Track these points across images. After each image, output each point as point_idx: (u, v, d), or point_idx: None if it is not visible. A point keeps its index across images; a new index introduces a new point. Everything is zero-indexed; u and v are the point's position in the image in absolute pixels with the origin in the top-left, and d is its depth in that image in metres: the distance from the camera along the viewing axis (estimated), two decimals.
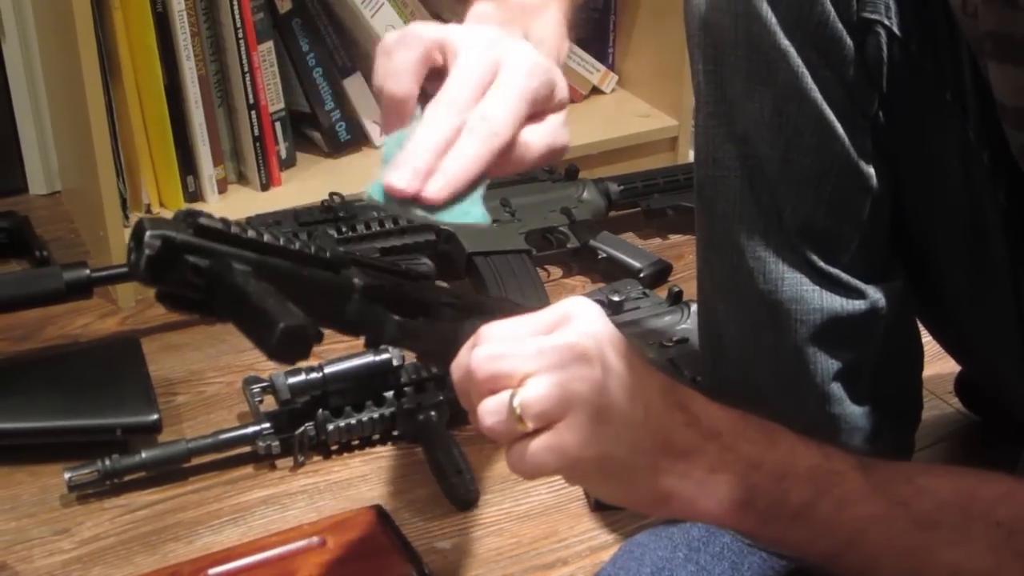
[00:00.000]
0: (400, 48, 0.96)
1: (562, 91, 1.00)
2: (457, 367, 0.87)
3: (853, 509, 0.88)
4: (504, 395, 0.82)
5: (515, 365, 0.83)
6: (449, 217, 0.92)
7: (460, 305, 0.97)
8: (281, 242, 0.88)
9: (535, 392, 0.82)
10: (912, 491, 0.90)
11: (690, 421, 0.87)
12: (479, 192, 0.94)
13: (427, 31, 0.97)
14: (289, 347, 0.78)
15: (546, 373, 0.82)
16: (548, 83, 0.98)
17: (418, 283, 0.98)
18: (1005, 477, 0.91)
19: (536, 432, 0.82)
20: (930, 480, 0.91)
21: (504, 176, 1.01)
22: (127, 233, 1.76)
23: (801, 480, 0.88)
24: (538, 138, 0.97)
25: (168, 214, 1.86)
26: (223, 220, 0.86)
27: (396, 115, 0.95)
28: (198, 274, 0.84)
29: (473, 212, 0.93)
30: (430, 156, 0.91)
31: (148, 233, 0.81)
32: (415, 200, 0.91)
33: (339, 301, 0.93)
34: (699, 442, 0.87)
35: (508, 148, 0.94)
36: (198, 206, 1.87)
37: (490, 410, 0.83)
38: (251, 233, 0.86)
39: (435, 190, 0.91)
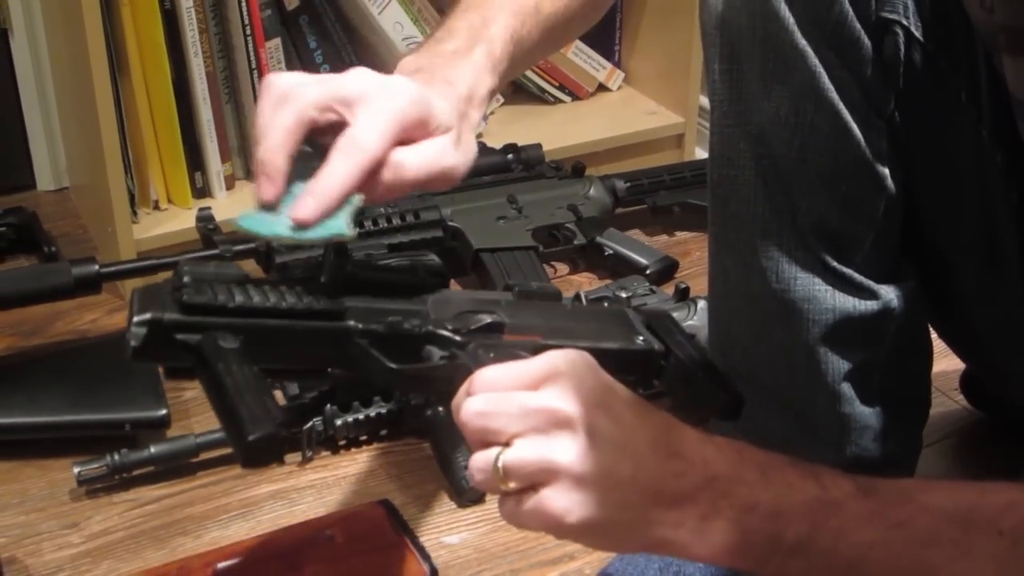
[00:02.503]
0: (280, 109, 0.96)
1: (441, 116, 1.01)
2: (456, 409, 0.89)
3: (851, 537, 0.88)
4: (491, 453, 0.85)
5: (501, 425, 0.85)
6: (314, 234, 0.93)
7: (458, 341, 0.97)
8: (272, 301, 0.89)
9: (517, 457, 0.84)
10: (912, 510, 0.89)
11: (682, 470, 0.87)
12: (347, 209, 0.94)
13: (311, 92, 0.96)
14: (257, 458, 0.81)
15: (529, 438, 0.84)
16: (420, 107, 0.99)
17: (416, 307, 1.00)
18: (1010, 486, 0.90)
19: (523, 490, 0.85)
20: (931, 497, 0.91)
21: (382, 201, 1.04)
22: (135, 229, 1.78)
23: (797, 516, 0.88)
24: (413, 159, 0.98)
25: (176, 211, 1.87)
26: (212, 286, 0.88)
27: (267, 181, 0.94)
28: (188, 351, 0.86)
29: (336, 226, 0.94)
30: (279, 159, 0.94)
31: (135, 319, 0.85)
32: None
33: (336, 350, 0.95)
34: (691, 491, 0.86)
35: (377, 167, 0.95)
36: (206, 202, 1.87)
37: (478, 466, 0.86)
38: (240, 298, 0.88)
39: (306, 211, 0.93)
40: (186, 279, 0.88)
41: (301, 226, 0.92)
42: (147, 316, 0.85)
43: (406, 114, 0.97)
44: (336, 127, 0.96)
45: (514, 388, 0.86)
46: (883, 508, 0.89)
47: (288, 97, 0.95)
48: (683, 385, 1.07)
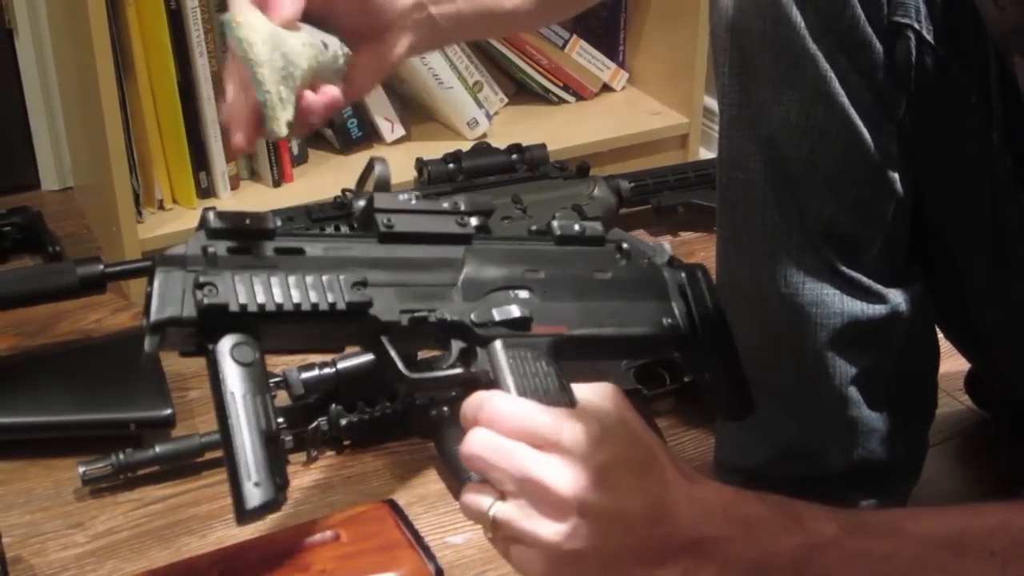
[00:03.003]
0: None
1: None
2: (463, 419, 0.89)
3: None
4: (485, 501, 0.86)
5: (500, 479, 0.85)
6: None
7: (480, 337, 0.96)
8: (296, 298, 0.87)
9: (507, 518, 0.85)
10: (898, 541, 0.90)
11: (668, 534, 0.87)
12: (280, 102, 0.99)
13: None
14: (253, 519, 0.82)
15: (523, 505, 0.85)
16: None
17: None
18: (1002, 506, 0.91)
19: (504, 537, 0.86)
20: (918, 525, 0.91)
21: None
22: (140, 229, 1.78)
23: (781, 567, 0.88)
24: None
25: (181, 210, 1.87)
26: (233, 275, 0.86)
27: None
28: (203, 352, 0.85)
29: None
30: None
31: (152, 320, 0.82)
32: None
33: (356, 340, 0.96)
34: (675, 553, 0.87)
35: None
36: (210, 202, 1.87)
37: (468, 505, 0.87)
38: (261, 296, 0.86)
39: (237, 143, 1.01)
40: (202, 276, 0.84)
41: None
42: (165, 316, 0.82)
43: None
44: None
45: (520, 438, 0.86)
46: (868, 545, 0.89)
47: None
48: (698, 372, 1.07)
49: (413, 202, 0.98)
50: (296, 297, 0.87)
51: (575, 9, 1.29)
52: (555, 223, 1.05)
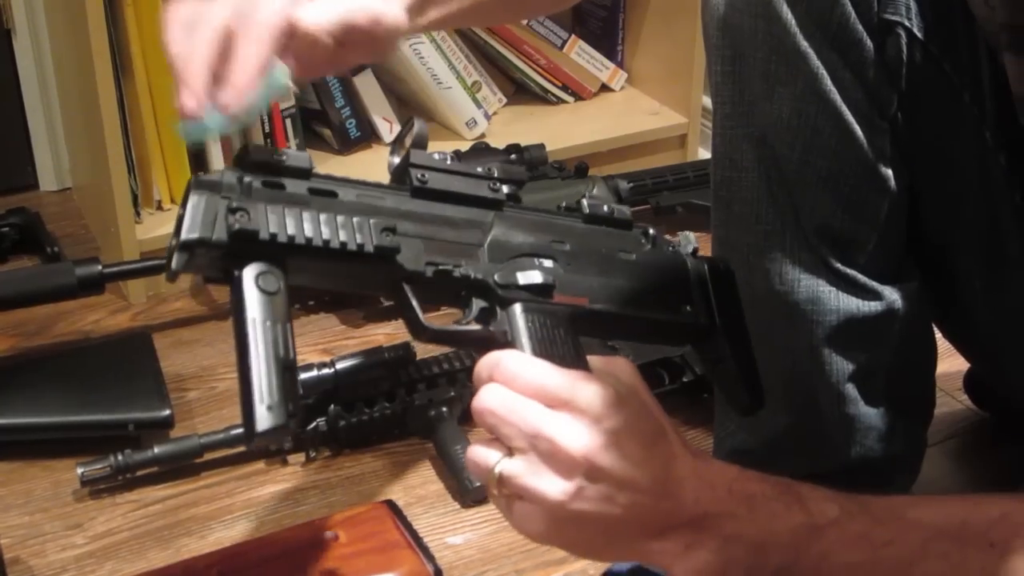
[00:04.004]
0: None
1: None
2: (476, 376, 0.89)
3: (835, 559, 0.88)
4: (491, 456, 0.86)
5: (508, 433, 0.85)
6: (253, 114, 0.96)
7: (502, 297, 0.96)
8: (326, 234, 0.87)
9: (513, 473, 0.85)
10: (900, 527, 0.90)
11: (673, 508, 0.87)
12: (273, 78, 0.97)
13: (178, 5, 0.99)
14: (263, 442, 0.84)
15: (532, 459, 0.85)
16: None
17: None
18: (1003, 498, 0.91)
19: (512, 495, 0.86)
20: (920, 512, 0.91)
21: (310, 72, 1.03)
22: (138, 229, 1.78)
23: (781, 545, 0.88)
24: (311, 14, 0.99)
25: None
26: (267, 207, 0.86)
27: (189, 93, 0.95)
28: (228, 277, 0.85)
29: (267, 93, 0.96)
30: (205, 72, 0.94)
31: (183, 238, 0.82)
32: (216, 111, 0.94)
33: (379, 286, 0.95)
34: (677, 527, 0.87)
35: (286, 35, 0.97)
36: None
37: (475, 460, 0.87)
38: (292, 227, 0.86)
39: (230, 101, 0.94)
40: (235, 202, 0.84)
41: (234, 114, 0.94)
42: (195, 236, 0.82)
43: None
44: None
45: (534, 395, 0.86)
46: (869, 528, 0.89)
47: (247, 20, 0.97)
48: (711, 365, 1.07)
49: (448, 162, 0.98)
50: (326, 234, 0.88)
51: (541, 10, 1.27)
52: (585, 201, 1.05)
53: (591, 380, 0.87)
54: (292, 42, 0.98)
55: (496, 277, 0.96)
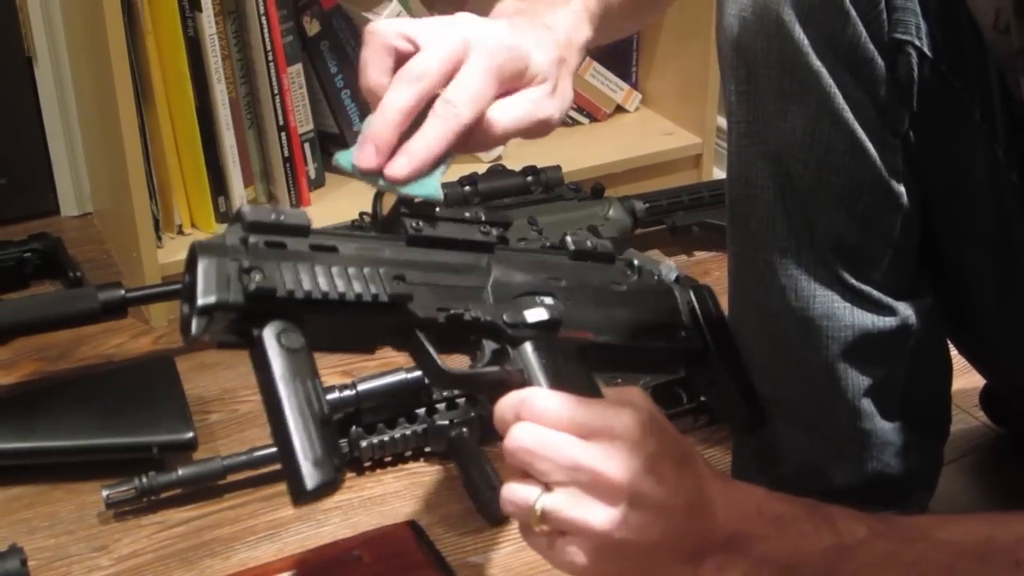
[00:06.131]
0: (362, 48, 1.01)
1: (538, 66, 1.04)
2: (500, 418, 0.90)
3: None
4: (530, 493, 0.87)
5: (546, 469, 0.87)
6: (409, 190, 0.96)
7: (512, 337, 0.98)
8: (340, 288, 0.88)
9: (557, 507, 0.86)
10: (926, 547, 0.91)
11: (707, 529, 0.89)
12: (441, 169, 0.97)
13: (384, 24, 1.01)
14: (312, 500, 0.81)
15: (571, 492, 0.86)
16: (516, 59, 1.02)
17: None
18: None
19: (552, 532, 0.87)
20: (946, 532, 0.92)
21: (470, 152, 1.05)
22: (160, 254, 1.80)
23: (812, 566, 0.90)
24: (504, 116, 1.01)
25: (200, 235, 1.89)
26: (279, 264, 0.86)
27: (376, 152, 0.97)
28: (248, 340, 0.84)
29: (430, 186, 0.97)
30: (390, 133, 0.95)
31: (200, 303, 0.82)
32: (380, 174, 0.96)
33: (395, 337, 0.95)
34: (711, 549, 0.89)
35: (473, 126, 0.98)
36: None
37: (514, 500, 0.88)
38: (307, 283, 0.86)
39: (399, 169, 0.95)
40: (247, 261, 0.84)
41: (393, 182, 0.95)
42: (212, 300, 0.82)
43: (503, 70, 1.00)
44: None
45: (566, 429, 0.87)
46: (897, 548, 0.90)
47: (366, 35, 1.00)
48: (708, 387, 1.08)
49: (437, 210, 1.00)
50: (340, 286, 0.88)
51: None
52: (569, 238, 1.07)
53: (620, 408, 0.88)
54: (476, 131, 1.00)
55: (505, 317, 0.97)
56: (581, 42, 1.13)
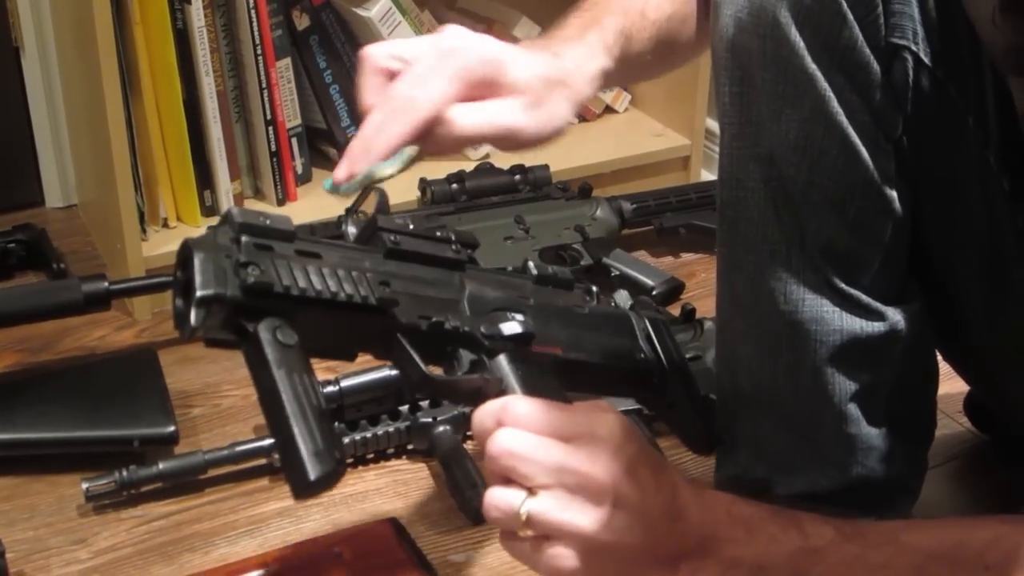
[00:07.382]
0: (357, 72, 1.06)
1: (518, 79, 1.07)
2: (480, 430, 0.89)
3: None
4: (515, 497, 0.87)
5: (531, 472, 0.87)
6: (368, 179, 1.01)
7: (489, 348, 1.00)
8: (331, 288, 0.89)
9: (542, 510, 0.87)
10: (894, 551, 0.91)
11: (682, 532, 0.90)
12: (398, 156, 1.02)
13: (376, 48, 1.06)
14: (314, 493, 0.82)
15: (559, 495, 0.87)
16: (490, 67, 1.05)
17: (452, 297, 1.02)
18: (997, 521, 0.93)
19: (537, 537, 0.88)
20: (915, 536, 0.93)
21: (440, 153, 1.14)
22: (144, 246, 1.79)
23: (779, 568, 0.91)
24: (467, 117, 1.04)
25: (185, 228, 1.88)
26: (273, 260, 0.87)
27: (349, 165, 1.02)
28: (243, 336, 0.85)
29: (392, 163, 1.02)
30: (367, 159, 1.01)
31: (198, 294, 0.82)
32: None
33: (378, 340, 0.97)
34: (685, 552, 0.90)
35: (431, 122, 1.02)
36: (215, 220, 1.87)
37: (498, 505, 0.88)
38: (301, 280, 0.88)
39: (357, 156, 1.01)
40: (242, 256, 0.86)
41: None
42: (211, 292, 0.83)
43: (472, 72, 1.04)
44: None
45: (549, 433, 0.87)
46: (865, 551, 0.91)
47: (359, 59, 1.06)
48: (664, 407, 1.10)
49: (411, 227, 1.03)
50: (332, 286, 0.90)
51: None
52: (531, 263, 1.12)
53: (598, 413, 0.89)
54: (437, 130, 1.03)
55: (483, 329, 1.00)
56: (593, 71, 1.14)
